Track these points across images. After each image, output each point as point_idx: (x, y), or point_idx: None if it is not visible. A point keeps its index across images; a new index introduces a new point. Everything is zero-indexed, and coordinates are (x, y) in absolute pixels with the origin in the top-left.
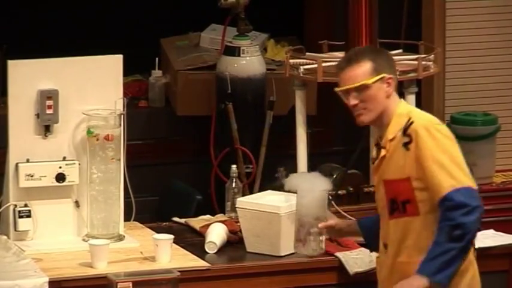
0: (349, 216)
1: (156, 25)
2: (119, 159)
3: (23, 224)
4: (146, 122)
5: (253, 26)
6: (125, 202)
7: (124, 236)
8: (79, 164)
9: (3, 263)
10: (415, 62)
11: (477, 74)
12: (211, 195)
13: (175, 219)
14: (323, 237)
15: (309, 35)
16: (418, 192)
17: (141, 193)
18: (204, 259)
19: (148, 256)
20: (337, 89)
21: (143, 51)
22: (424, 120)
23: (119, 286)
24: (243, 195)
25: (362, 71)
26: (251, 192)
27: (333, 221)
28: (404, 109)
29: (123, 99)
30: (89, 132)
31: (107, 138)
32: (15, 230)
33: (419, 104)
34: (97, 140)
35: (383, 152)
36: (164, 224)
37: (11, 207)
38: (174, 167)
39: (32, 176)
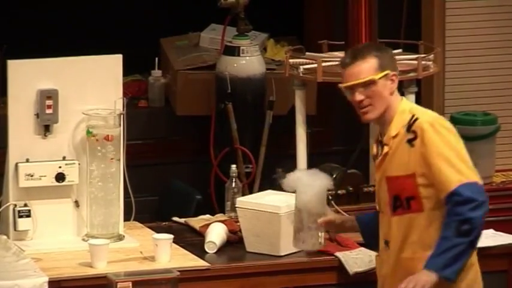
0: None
1: (156, 25)
2: (119, 159)
3: (23, 223)
4: (146, 121)
5: (253, 26)
6: (124, 202)
7: (124, 236)
8: (79, 164)
9: (2, 263)
10: (415, 62)
11: (477, 73)
12: (211, 195)
13: (175, 219)
14: (322, 233)
15: (308, 35)
16: (423, 189)
17: (140, 193)
18: (203, 259)
19: (148, 256)
20: (342, 85)
21: (143, 51)
22: (429, 117)
23: (118, 286)
24: (243, 195)
25: (368, 67)
26: (251, 192)
27: (331, 216)
28: (406, 106)
29: (123, 99)
30: (88, 132)
31: (106, 138)
32: (15, 229)
33: (418, 104)
34: (96, 140)
35: (385, 149)
36: (164, 223)
37: (11, 207)
38: (174, 167)
39: (31, 176)
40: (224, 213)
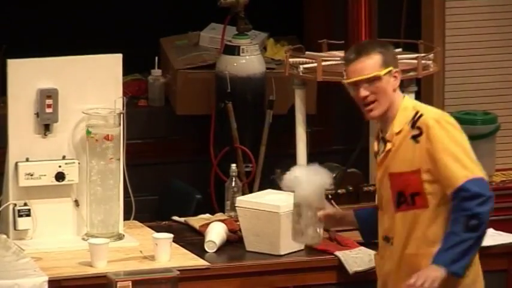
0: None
1: (156, 24)
2: (119, 158)
3: (23, 223)
4: (146, 121)
5: (253, 25)
6: (124, 201)
7: (123, 235)
8: (79, 163)
9: (2, 262)
10: (415, 61)
11: (477, 73)
12: (210, 194)
13: (175, 218)
14: (321, 226)
15: (308, 34)
16: (428, 185)
17: (140, 192)
18: (203, 258)
19: (147, 255)
20: (346, 81)
21: (143, 51)
22: (434, 113)
23: (118, 285)
24: (243, 194)
25: (372, 63)
26: (251, 192)
27: (331, 210)
28: (409, 103)
29: (123, 99)
30: (88, 132)
31: (106, 138)
32: (15, 229)
33: None
34: (96, 140)
35: (388, 146)
36: (164, 223)
37: (11, 206)
38: (174, 166)
39: (31, 175)
40: (224, 212)
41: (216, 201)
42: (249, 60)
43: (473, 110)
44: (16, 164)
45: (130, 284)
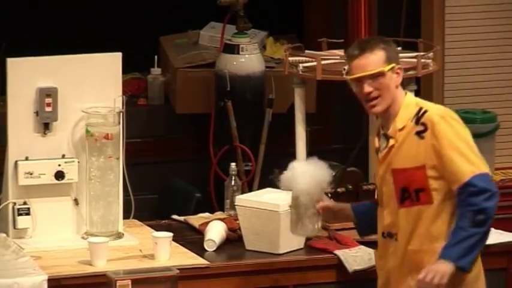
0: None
1: (155, 23)
2: (118, 157)
3: (22, 221)
4: (145, 120)
5: (252, 24)
6: (124, 200)
7: (123, 234)
8: (78, 162)
9: (2, 261)
10: (414, 60)
11: (476, 72)
12: (210, 193)
13: (175, 217)
14: (319, 219)
15: (308, 33)
16: (432, 181)
17: (140, 191)
18: (203, 257)
19: (147, 254)
20: (350, 77)
21: (142, 49)
22: (438, 109)
23: (118, 284)
24: (242, 193)
25: (376, 59)
26: (250, 190)
27: (329, 202)
28: (411, 100)
29: (122, 97)
30: (87, 131)
31: (106, 137)
32: (15, 227)
33: None
34: (96, 140)
35: (391, 142)
36: (163, 221)
37: (10, 205)
38: (173, 165)
39: (31, 174)
40: (223, 211)
41: (215, 200)
42: (248, 59)
43: (473, 109)
44: (16, 163)
45: (129, 282)
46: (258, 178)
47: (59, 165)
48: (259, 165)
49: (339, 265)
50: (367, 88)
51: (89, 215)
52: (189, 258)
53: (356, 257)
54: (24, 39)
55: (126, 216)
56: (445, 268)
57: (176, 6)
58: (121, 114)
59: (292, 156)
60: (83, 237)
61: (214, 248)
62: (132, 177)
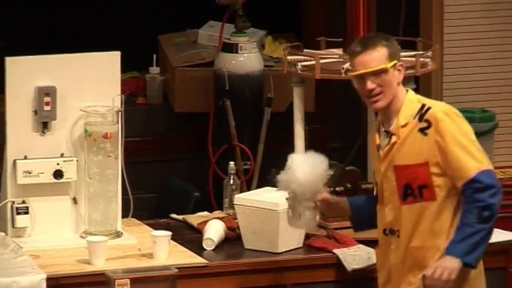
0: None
1: (154, 22)
2: (117, 156)
3: (21, 220)
4: (144, 118)
5: (251, 23)
6: (122, 199)
7: (122, 233)
8: (77, 161)
9: (1, 260)
10: (413, 59)
11: (475, 70)
12: (209, 191)
13: (173, 216)
14: (317, 211)
15: (306, 32)
16: (436, 178)
17: (139, 190)
18: (201, 256)
19: (146, 253)
20: (353, 73)
21: (141, 48)
22: (442, 106)
23: (116, 283)
24: (241, 191)
25: (379, 56)
26: (249, 189)
27: (327, 195)
28: (413, 97)
29: (121, 96)
30: (85, 131)
31: (105, 136)
32: (13, 226)
33: None
34: (94, 140)
35: (394, 139)
36: (162, 220)
37: (9, 204)
38: (172, 164)
39: (29, 173)
40: (222, 210)
41: (214, 199)
42: (247, 58)
43: (471, 108)
44: (14, 162)
45: (128, 281)
46: (256, 177)
47: (58, 164)
48: (258, 164)
49: (338, 264)
50: (370, 85)
51: (88, 214)
52: (188, 257)
53: (355, 256)
54: (23, 38)
55: (124, 215)
56: (453, 264)
57: (175, 5)
58: (120, 113)
59: None
60: (81, 236)
61: (213, 247)
62: (131, 176)
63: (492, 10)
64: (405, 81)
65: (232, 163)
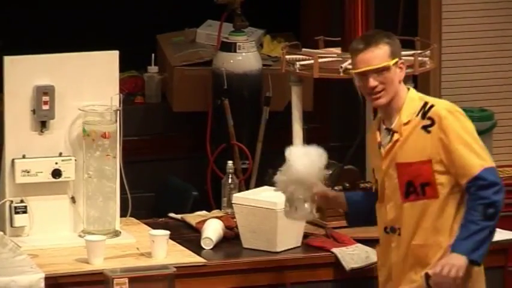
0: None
1: (153, 21)
2: (115, 155)
3: (19, 220)
4: (142, 118)
5: (250, 22)
6: (121, 198)
7: (120, 232)
8: (75, 160)
9: None
10: (412, 58)
11: (473, 70)
12: (207, 191)
13: (172, 215)
14: (315, 203)
15: (305, 31)
16: (438, 175)
17: (137, 189)
18: (200, 255)
19: (144, 252)
20: (355, 71)
21: (139, 47)
22: (445, 104)
23: (115, 282)
24: (239, 191)
25: (381, 54)
26: (247, 188)
27: (325, 188)
28: (415, 95)
29: (119, 95)
30: (84, 130)
31: (103, 135)
32: (12, 226)
33: None
34: (93, 140)
35: (396, 136)
36: (160, 219)
37: (7, 203)
38: (170, 163)
39: (28, 172)
40: (220, 209)
41: (212, 198)
42: (245, 57)
43: (470, 107)
44: (13, 161)
45: (126, 280)
46: (255, 176)
47: (56, 163)
48: (256, 163)
49: (336, 263)
50: (373, 82)
51: (86, 213)
52: (186, 256)
53: (353, 255)
54: (21, 37)
55: (123, 214)
56: (460, 261)
57: (173, 4)
58: (118, 112)
59: None
60: (80, 235)
61: (211, 246)
62: (129, 175)
63: (491, 9)
64: (404, 80)
65: (230, 162)
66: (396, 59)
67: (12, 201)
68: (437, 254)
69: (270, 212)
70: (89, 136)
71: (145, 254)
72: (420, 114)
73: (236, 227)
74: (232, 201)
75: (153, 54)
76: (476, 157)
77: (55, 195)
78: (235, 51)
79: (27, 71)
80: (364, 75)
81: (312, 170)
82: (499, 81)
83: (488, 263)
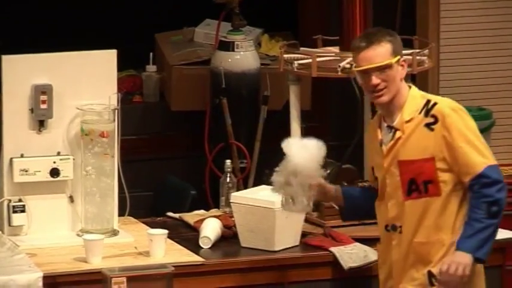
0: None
1: (151, 20)
2: (113, 154)
3: (18, 219)
4: (140, 117)
5: (248, 21)
6: (119, 197)
7: (118, 231)
8: (73, 159)
9: None
10: (410, 57)
11: (471, 69)
12: (205, 190)
13: (170, 214)
14: (312, 196)
15: (303, 30)
16: (441, 173)
17: (135, 188)
18: (198, 254)
19: (142, 251)
20: (357, 69)
21: (138, 46)
22: (448, 102)
23: (113, 281)
24: (238, 190)
25: (383, 51)
26: (245, 187)
27: (323, 181)
28: (417, 92)
29: (118, 94)
30: (82, 130)
31: (101, 134)
32: (10, 225)
33: None
34: (91, 140)
35: (398, 134)
36: (158, 219)
37: (6, 202)
38: (169, 162)
39: (26, 171)
40: (219, 208)
41: (210, 197)
42: (243, 56)
43: (468, 106)
44: (11, 160)
45: (125, 279)
46: (253, 175)
47: (54, 162)
48: (254, 162)
49: (334, 262)
50: (375, 80)
51: (84, 212)
52: (184, 256)
53: (351, 254)
54: (19, 36)
55: (121, 213)
56: (466, 259)
57: (171, 3)
58: (116, 111)
59: None
60: (78, 235)
61: (210, 245)
62: (127, 174)
63: (489, 8)
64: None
65: (228, 161)
66: (398, 57)
67: (10, 200)
68: (439, 252)
69: (268, 211)
70: (87, 135)
71: (143, 253)
72: (423, 112)
73: (234, 226)
74: (231, 200)
75: (151, 53)
76: (480, 155)
77: (53, 194)
78: (233, 50)
79: (25, 70)
80: (367, 73)
81: (310, 162)
82: (497, 80)
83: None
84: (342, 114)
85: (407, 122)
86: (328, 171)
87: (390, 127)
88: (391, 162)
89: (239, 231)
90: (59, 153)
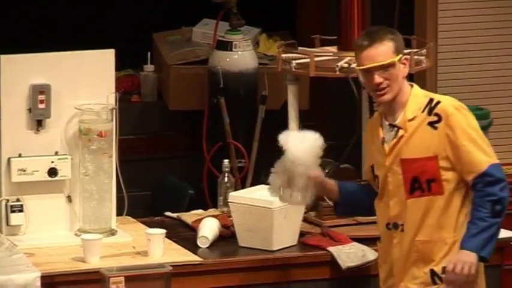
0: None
1: (149, 20)
2: (111, 154)
3: (15, 218)
4: (138, 116)
5: (246, 21)
6: (117, 197)
7: (116, 231)
8: (71, 159)
9: None
10: (408, 57)
11: (469, 68)
12: (203, 189)
13: (168, 213)
14: (310, 188)
15: (301, 30)
16: (444, 171)
17: (133, 188)
18: (196, 254)
19: (140, 251)
20: (359, 67)
21: (135, 46)
22: (451, 101)
23: (111, 281)
24: (236, 189)
25: (386, 50)
26: (243, 187)
27: (321, 173)
28: (419, 91)
29: (116, 94)
30: (80, 130)
31: (99, 134)
32: (8, 224)
33: None
34: (89, 140)
35: (401, 132)
36: (156, 218)
37: (3, 202)
38: (167, 162)
39: (24, 171)
40: (217, 208)
41: (208, 197)
42: (241, 56)
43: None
44: (9, 160)
45: (123, 279)
46: (251, 175)
47: (52, 162)
48: (252, 162)
49: (332, 262)
50: (378, 79)
51: (82, 212)
52: (182, 255)
53: (349, 254)
54: (18, 36)
55: (119, 213)
56: (471, 258)
57: (169, 3)
58: (114, 111)
59: None
60: (76, 234)
61: (208, 245)
62: (125, 174)
63: (486, 8)
64: None
65: (226, 161)
66: (400, 55)
67: (8, 200)
68: (441, 250)
69: (266, 211)
70: (85, 135)
71: (141, 253)
72: (426, 110)
73: (232, 225)
74: (229, 200)
75: (149, 53)
76: (483, 153)
77: (51, 194)
78: (231, 50)
79: (23, 69)
80: (369, 71)
81: (309, 153)
82: (495, 80)
83: None
84: (340, 113)
85: (410, 120)
86: (327, 171)
87: (392, 125)
88: (394, 160)
89: (237, 231)
90: (57, 153)
